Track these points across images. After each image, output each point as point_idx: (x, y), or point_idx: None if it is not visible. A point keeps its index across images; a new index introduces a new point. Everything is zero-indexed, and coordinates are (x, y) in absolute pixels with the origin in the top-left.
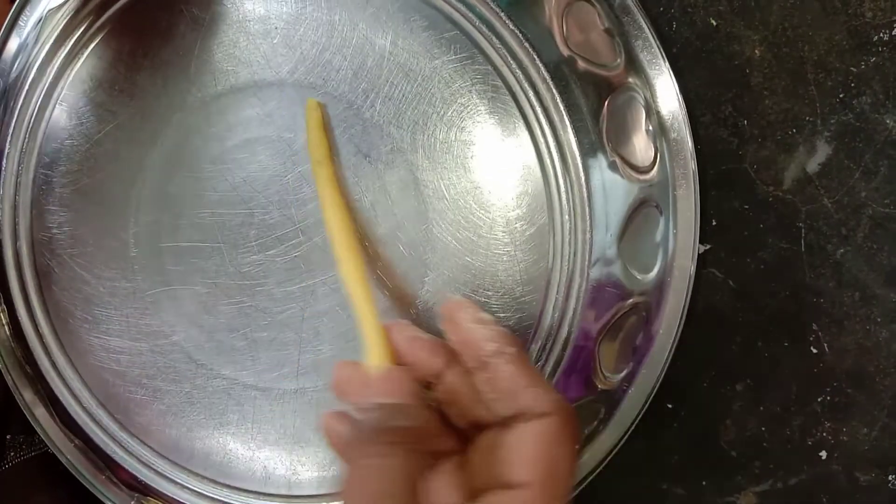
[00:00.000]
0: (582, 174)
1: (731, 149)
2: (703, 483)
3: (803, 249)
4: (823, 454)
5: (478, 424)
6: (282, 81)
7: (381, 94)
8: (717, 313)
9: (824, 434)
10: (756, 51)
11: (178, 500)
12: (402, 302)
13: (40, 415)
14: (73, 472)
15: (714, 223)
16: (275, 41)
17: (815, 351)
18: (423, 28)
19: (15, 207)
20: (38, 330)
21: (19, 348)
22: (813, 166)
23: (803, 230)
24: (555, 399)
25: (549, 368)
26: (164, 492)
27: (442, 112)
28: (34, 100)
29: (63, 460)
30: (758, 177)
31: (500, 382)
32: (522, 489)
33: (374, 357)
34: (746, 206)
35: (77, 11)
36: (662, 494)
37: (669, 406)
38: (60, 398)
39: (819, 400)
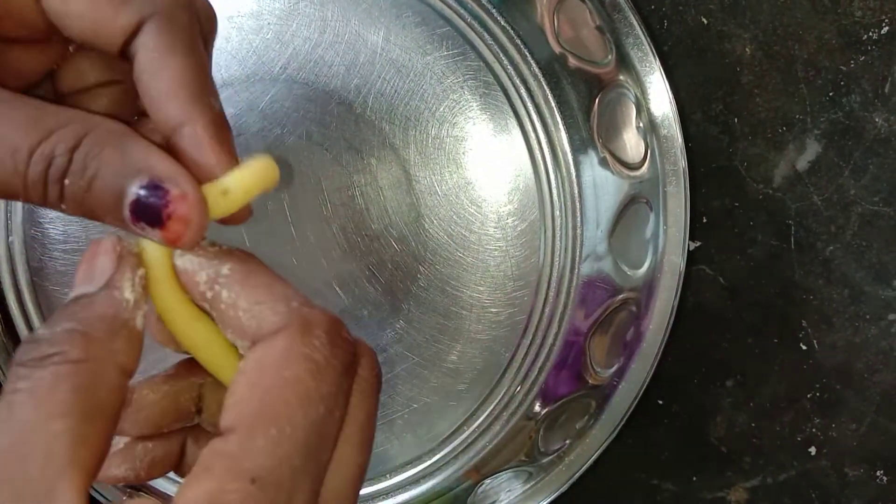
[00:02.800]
0: (573, 170)
1: (722, 146)
2: (694, 479)
3: (793, 247)
4: (813, 450)
5: None
6: (274, 77)
7: (373, 89)
8: (708, 310)
9: (813, 430)
10: (747, 49)
11: (170, 495)
12: (393, 298)
13: None
14: None
15: (704, 220)
16: (267, 37)
17: (804, 347)
18: (415, 24)
19: (7, 203)
20: (30, 327)
21: (11, 343)
22: (803, 164)
23: (793, 227)
24: (284, 308)
25: (539, 362)
26: (156, 486)
27: (434, 108)
28: None
29: None
30: (748, 174)
31: (220, 313)
32: (224, 438)
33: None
34: (737, 204)
35: None
36: (653, 490)
37: (660, 402)
38: None
39: (808, 396)
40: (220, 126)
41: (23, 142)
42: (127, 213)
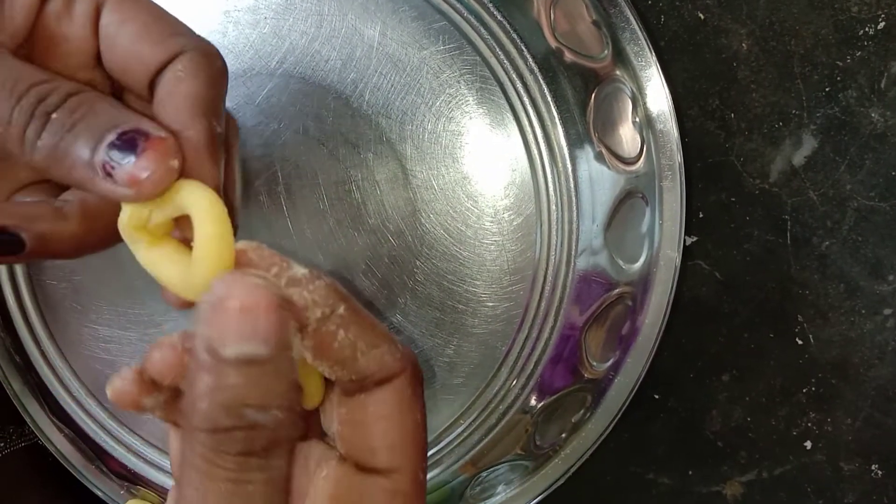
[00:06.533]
0: (569, 164)
1: (718, 141)
2: (689, 473)
3: (789, 242)
4: (808, 444)
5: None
6: (271, 72)
7: (369, 84)
8: (704, 305)
9: (809, 424)
10: (743, 44)
11: (169, 489)
12: (390, 292)
13: (30, 405)
14: (64, 463)
15: (701, 215)
16: (264, 31)
17: (800, 342)
18: (411, 18)
19: None
20: (27, 319)
21: (9, 338)
22: (799, 159)
23: (789, 223)
24: (400, 353)
25: (535, 356)
26: (155, 481)
27: (430, 102)
28: None
29: (53, 451)
30: (744, 169)
31: (331, 351)
32: (395, 475)
33: (213, 261)
34: (733, 199)
35: None
36: (648, 484)
37: (656, 397)
38: (50, 388)
39: (804, 391)
40: (214, 141)
41: (29, 76)
42: (102, 151)
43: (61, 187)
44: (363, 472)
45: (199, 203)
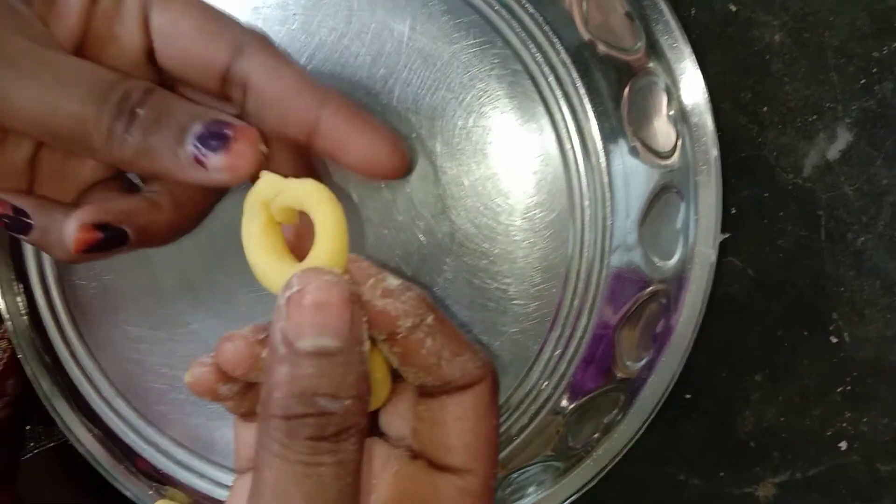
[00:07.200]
0: (603, 159)
1: (751, 136)
2: (721, 474)
3: (823, 238)
4: (843, 445)
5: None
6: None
7: (399, 79)
8: (736, 303)
9: (844, 424)
10: (776, 36)
11: (198, 490)
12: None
13: (59, 405)
14: (92, 463)
15: (733, 211)
16: (293, 27)
17: (835, 340)
18: (441, 12)
19: None
20: (56, 320)
21: (38, 338)
22: (833, 153)
23: (823, 218)
24: (482, 362)
25: (568, 356)
26: (184, 481)
27: (461, 97)
28: None
29: (82, 451)
30: (778, 164)
31: (418, 357)
32: (468, 475)
33: (327, 252)
34: (766, 194)
35: None
36: (679, 485)
37: (687, 396)
38: (80, 388)
39: (839, 390)
40: (348, 102)
41: (109, 75)
42: (190, 141)
43: (123, 186)
44: (436, 470)
45: (327, 212)
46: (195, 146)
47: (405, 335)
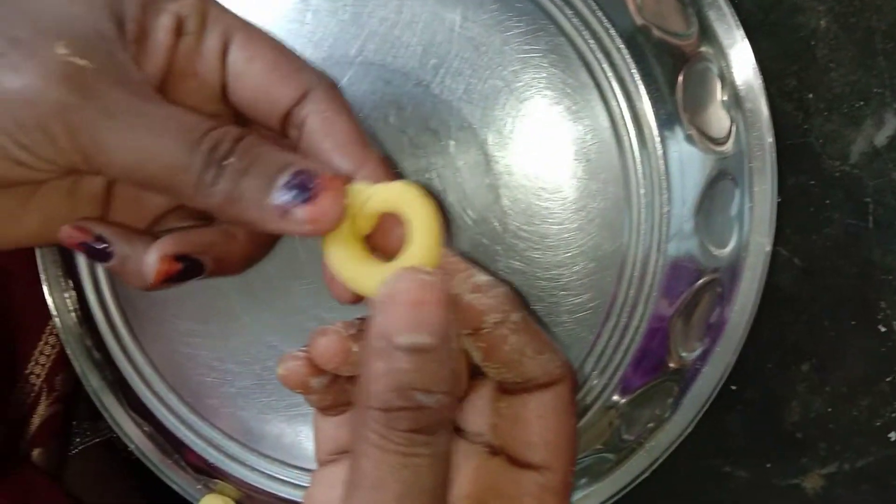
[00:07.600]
0: (659, 146)
1: (797, 123)
2: (768, 465)
3: (871, 225)
4: (892, 435)
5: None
6: (350, 60)
7: (450, 69)
8: (783, 292)
9: (893, 415)
10: (821, 22)
11: (248, 482)
12: None
13: (108, 400)
14: (140, 457)
15: (779, 199)
16: (343, 18)
17: (883, 329)
18: (492, 0)
19: None
20: (107, 316)
21: (88, 335)
22: (881, 139)
23: (871, 205)
24: (562, 361)
25: (623, 347)
26: (234, 474)
27: (513, 86)
28: None
29: (131, 445)
30: (824, 151)
31: (501, 353)
32: (548, 472)
33: (422, 250)
34: (812, 182)
35: None
36: (725, 477)
37: (733, 388)
38: (130, 383)
39: (888, 380)
40: (386, 166)
41: (198, 124)
42: (277, 193)
43: (196, 212)
44: (515, 466)
45: (421, 211)
46: (281, 198)
47: (490, 331)
